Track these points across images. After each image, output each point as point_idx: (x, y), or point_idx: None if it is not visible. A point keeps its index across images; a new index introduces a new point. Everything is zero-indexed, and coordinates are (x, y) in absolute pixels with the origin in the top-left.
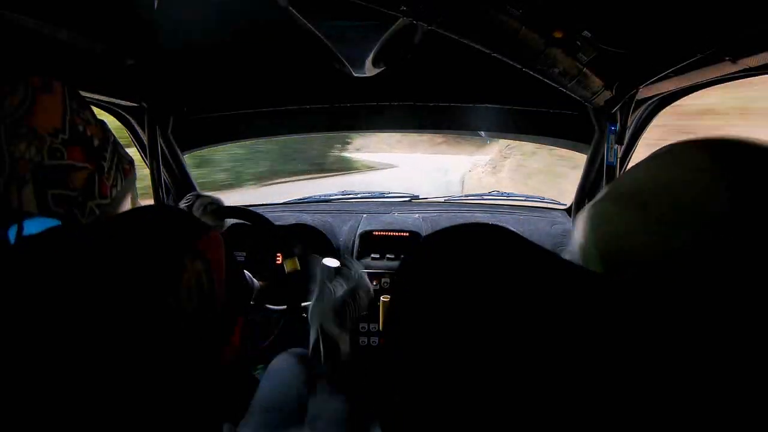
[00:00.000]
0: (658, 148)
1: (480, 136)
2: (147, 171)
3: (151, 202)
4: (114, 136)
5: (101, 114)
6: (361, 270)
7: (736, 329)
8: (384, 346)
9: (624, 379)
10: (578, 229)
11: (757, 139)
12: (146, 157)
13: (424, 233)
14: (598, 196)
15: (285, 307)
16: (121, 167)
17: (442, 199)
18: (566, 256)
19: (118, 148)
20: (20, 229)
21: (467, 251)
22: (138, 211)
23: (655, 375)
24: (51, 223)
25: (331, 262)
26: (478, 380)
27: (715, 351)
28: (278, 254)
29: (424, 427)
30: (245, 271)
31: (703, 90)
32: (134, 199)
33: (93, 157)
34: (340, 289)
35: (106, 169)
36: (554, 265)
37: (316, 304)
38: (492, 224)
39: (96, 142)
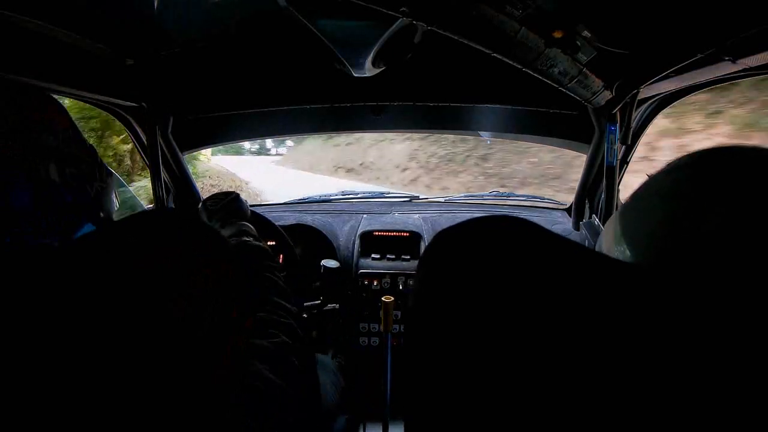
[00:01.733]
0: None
1: (479, 135)
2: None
3: (151, 202)
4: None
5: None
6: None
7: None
8: (408, 341)
9: (665, 372)
10: (608, 236)
11: None
12: (146, 157)
13: (424, 233)
14: (627, 201)
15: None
16: (105, 167)
17: (442, 200)
18: None
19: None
20: (54, 219)
21: (493, 242)
22: (148, 216)
23: (693, 368)
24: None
25: (331, 263)
26: (512, 373)
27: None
28: (280, 255)
29: (453, 420)
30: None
31: None
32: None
33: (90, 153)
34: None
35: (99, 162)
36: (585, 256)
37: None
38: (515, 216)
39: (87, 145)
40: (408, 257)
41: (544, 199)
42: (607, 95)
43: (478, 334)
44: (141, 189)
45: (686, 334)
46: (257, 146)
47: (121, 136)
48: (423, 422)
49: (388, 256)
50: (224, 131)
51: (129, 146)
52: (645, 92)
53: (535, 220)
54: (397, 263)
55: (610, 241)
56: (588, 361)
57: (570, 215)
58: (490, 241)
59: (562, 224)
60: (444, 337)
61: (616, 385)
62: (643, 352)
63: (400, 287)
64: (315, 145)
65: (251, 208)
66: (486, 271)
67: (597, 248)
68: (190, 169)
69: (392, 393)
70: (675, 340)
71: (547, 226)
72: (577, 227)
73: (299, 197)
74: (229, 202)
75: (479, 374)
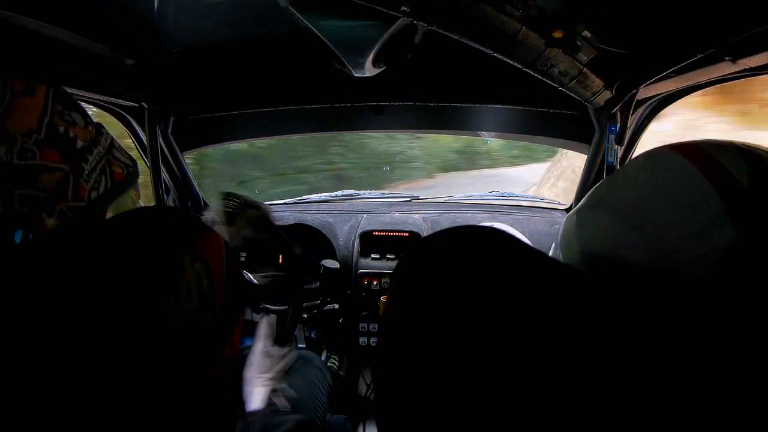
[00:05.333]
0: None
1: (479, 136)
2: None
3: (151, 202)
4: (111, 139)
5: (101, 115)
6: None
7: (726, 328)
8: (380, 344)
9: (614, 373)
10: (562, 234)
11: (738, 141)
12: (146, 157)
13: (424, 233)
14: (581, 204)
15: (285, 307)
16: (108, 170)
17: (442, 200)
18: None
19: (112, 152)
20: (26, 231)
21: (461, 252)
22: (138, 212)
23: (644, 370)
24: None
25: (331, 263)
26: (470, 377)
27: (708, 348)
28: (279, 255)
29: (420, 423)
30: (245, 271)
31: None
32: (132, 202)
33: (71, 159)
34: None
35: (86, 172)
36: (546, 265)
37: (264, 360)
38: (487, 226)
39: (79, 144)
40: (398, 261)
41: (543, 199)
42: (607, 95)
43: (440, 339)
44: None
45: (623, 334)
46: None
47: None
48: (391, 421)
49: (387, 256)
50: (224, 131)
51: None
52: (645, 92)
53: (535, 220)
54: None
55: (562, 239)
56: (538, 362)
57: None
58: (456, 252)
59: (561, 224)
60: (410, 339)
61: (558, 386)
62: (587, 353)
63: None
64: None
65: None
66: (452, 279)
67: (554, 245)
68: None
69: None
70: (616, 341)
71: (547, 227)
72: None
73: (299, 198)
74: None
75: (438, 377)
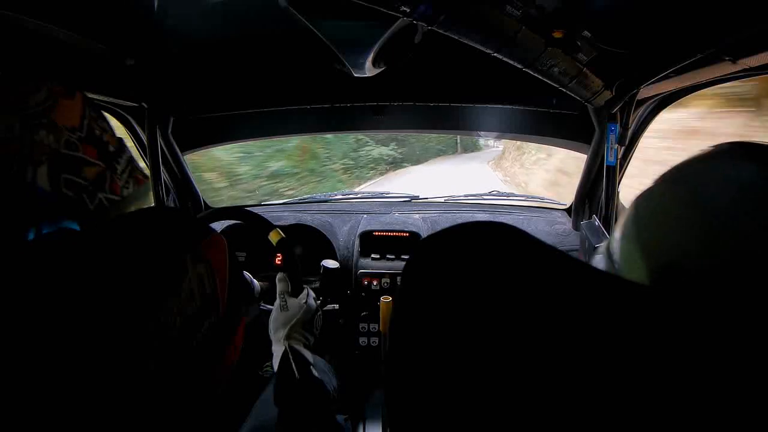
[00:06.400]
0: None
1: (479, 136)
2: (147, 171)
3: (151, 202)
4: (130, 152)
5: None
6: (312, 295)
7: None
8: (390, 345)
9: (639, 379)
10: (619, 228)
11: None
12: (146, 157)
13: (424, 233)
14: (652, 187)
15: None
16: (134, 175)
17: (442, 200)
18: (595, 261)
19: (132, 161)
20: (38, 230)
21: (474, 249)
22: (140, 213)
23: (661, 376)
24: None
25: (331, 264)
26: (485, 379)
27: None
28: (278, 254)
29: (431, 425)
30: (246, 272)
31: None
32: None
33: (107, 158)
34: (302, 301)
35: (119, 171)
36: (561, 263)
37: (281, 315)
38: (498, 222)
39: (111, 148)
40: (408, 257)
41: (544, 199)
42: (608, 95)
43: (453, 340)
44: None
45: (646, 342)
46: None
47: None
48: (402, 423)
49: (387, 256)
50: (224, 131)
51: None
52: (645, 92)
53: (535, 220)
54: (397, 263)
55: (620, 234)
56: (555, 365)
57: (570, 215)
58: (470, 249)
59: (562, 224)
60: (422, 339)
61: (575, 392)
62: (612, 360)
63: None
64: None
65: (249, 208)
66: (465, 279)
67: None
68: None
69: None
70: (640, 348)
71: (548, 227)
72: (576, 227)
73: (299, 197)
74: None
75: (452, 379)
